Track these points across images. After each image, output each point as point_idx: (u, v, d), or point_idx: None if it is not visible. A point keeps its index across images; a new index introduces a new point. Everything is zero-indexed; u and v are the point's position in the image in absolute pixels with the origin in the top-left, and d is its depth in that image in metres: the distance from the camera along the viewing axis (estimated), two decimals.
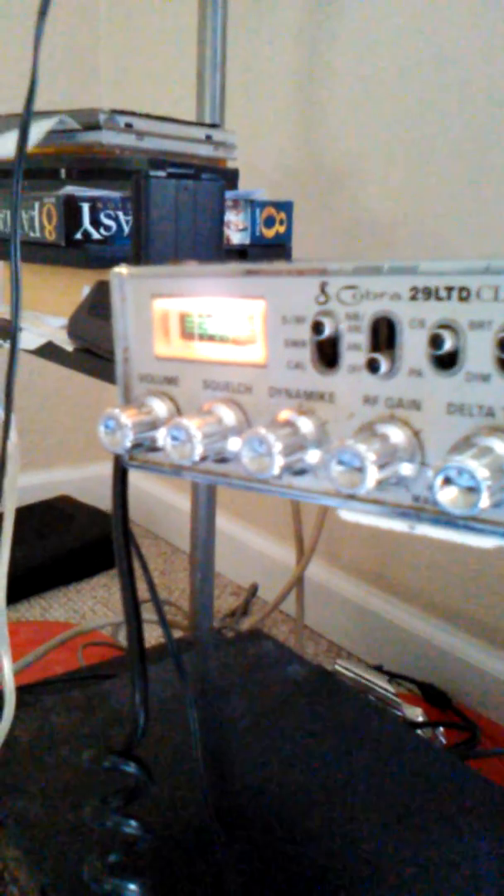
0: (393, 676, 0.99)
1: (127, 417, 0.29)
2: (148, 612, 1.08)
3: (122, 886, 0.33)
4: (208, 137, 0.76)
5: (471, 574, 0.96)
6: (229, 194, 0.72)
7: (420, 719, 0.86)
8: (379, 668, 0.98)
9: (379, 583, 1.07)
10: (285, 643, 1.07)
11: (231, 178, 0.77)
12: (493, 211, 0.85)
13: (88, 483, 1.43)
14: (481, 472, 0.21)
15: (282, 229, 0.77)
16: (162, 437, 0.28)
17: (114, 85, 1.41)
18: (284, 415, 0.27)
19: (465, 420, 0.24)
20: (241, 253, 0.73)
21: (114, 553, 0.38)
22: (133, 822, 0.34)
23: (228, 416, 0.29)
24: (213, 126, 0.77)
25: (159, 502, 1.43)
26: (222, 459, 0.29)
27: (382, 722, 0.75)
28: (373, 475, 0.24)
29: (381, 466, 0.24)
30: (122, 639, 1.06)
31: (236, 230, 0.73)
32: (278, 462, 0.25)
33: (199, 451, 0.27)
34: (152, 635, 1.07)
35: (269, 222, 0.76)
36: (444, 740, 0.88)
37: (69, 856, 0.44)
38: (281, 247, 0.76)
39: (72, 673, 0.87)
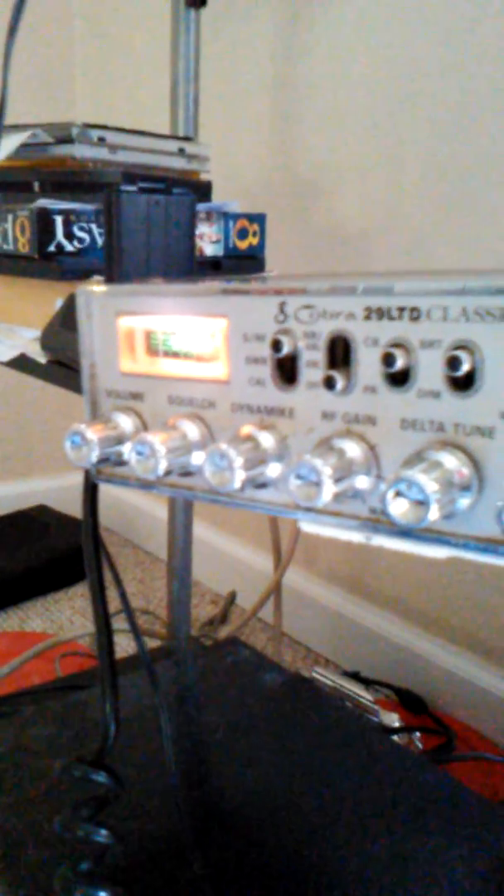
0: (370, 683, 0.99)
1: (93, 433, 0.29)
2: (120, 622, 1.08)
3: (92, 895, 0.34)
4: (181, 150, 0.76)
5: (446, 581, 0.97)
6: (202, 206, 0.73)
7: (396, 725, 0.87)
8: (356, 675, 0.99)
9: (356, 590, 1.08)
10: (263, 651, 1.07)
11: (204, 190, 0.78)
12: (466, 218, 0.87)
13: (65, 493, 1.43)
14: (430, 485, 0.22)
15: (255, 241, 0.78)
16: (127, 451, 0.28)
17: (90, 98, 1.42)
18: (246, 430, 0.28)
19: (418, 435, 0.25)
20: (214, 265, 0.74)
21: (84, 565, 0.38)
22: (103, 831, 0.35)
23: (192, 431, 0.29)
24: (186, 139, 0.78)
25: (138, 512, 1.43)
26: (187, 473, 0.29)
27: (358, 728, 0.76)
28: (329, 489, 0.24)
29: (338, 480, 0.25)
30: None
31: (209, 242, 0.74)
32: (239, 476, 0.26)
33: (163, 465, 0.28)
34: (132, 644, 1.07)
35: (243, 234, 0.77)
36: (420, 745, 0.89)
37: (41, 865, 0.45)
38: (254, 259, 0.77)
39: (49, 683, 0.87)
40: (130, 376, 0.31)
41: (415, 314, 0.24)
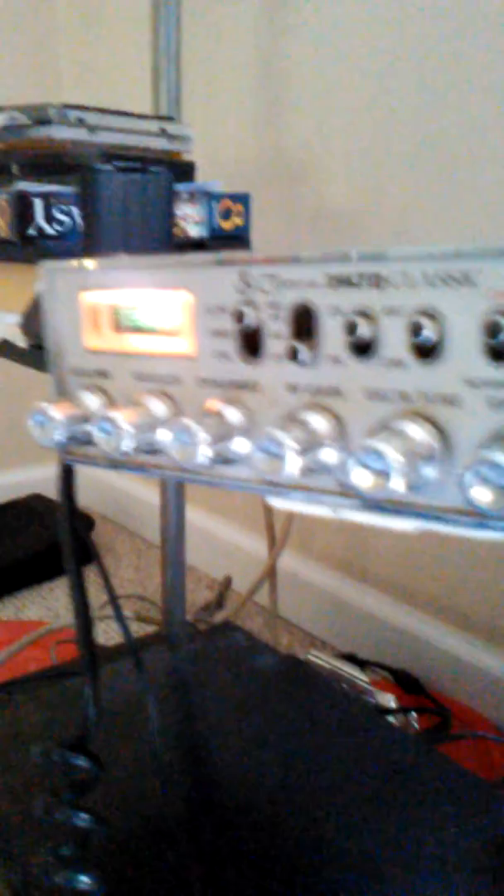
0: (366, 664, 0.99)
1: (56, 411, 0.29)
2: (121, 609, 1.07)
3: (74, 879, 0.33)
4: (163, 130, 0.75)
5: (441, 560, 0.96)
6: (184, 187, 0.72)
7: (392, 705, 0.87)
8: (352, 657, 0.99)
9: (351, 571, 1.08)
10: (259, 634, 1.07)
11: (187, 170, 0.77)
12: (453, 197, 0.86)
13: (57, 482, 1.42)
14: (393, 455, 0.22)
15: (240, 221, 0.77)
16: (93, 430, 0.28)
17: (75, 81, 1.40)
18: (212, 405, 0.27)
19: (384, 405, 0.24)
20: (199, 246, 0.73)
21: (62, 550, 0.38)
22: (84, 815, 0.34)
23: (159, 407, 0.29)
24: (167, 119, 0.77)
25: (133, 499, 1.42)
26: (154, 451, 0.29)
27: (353, 709, 0.76)
28: (293, 462, 0.24)
29: (303, 453, 0.24)
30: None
31: (193, 223, 0.73)
32: (203, 451, 0.26)
33: (128, 442, 0.27)
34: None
35: (227, 214, 0.76)
36: (416, 725, 0.88)
37: (24, 851, 0.45)
38: (239, 239, 0.76)
39: (44, 671, 0.87)
40: (96, 353, 0.30)
41: (377, 281, 0.23)
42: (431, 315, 0.23)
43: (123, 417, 0.27)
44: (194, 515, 1.22)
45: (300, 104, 1.01)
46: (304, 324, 0.25)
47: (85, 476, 1.48)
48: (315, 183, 1.01)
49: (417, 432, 0.23)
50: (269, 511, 1.03)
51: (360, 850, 0.57)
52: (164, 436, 0.27)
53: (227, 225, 0.76)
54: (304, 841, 0.58)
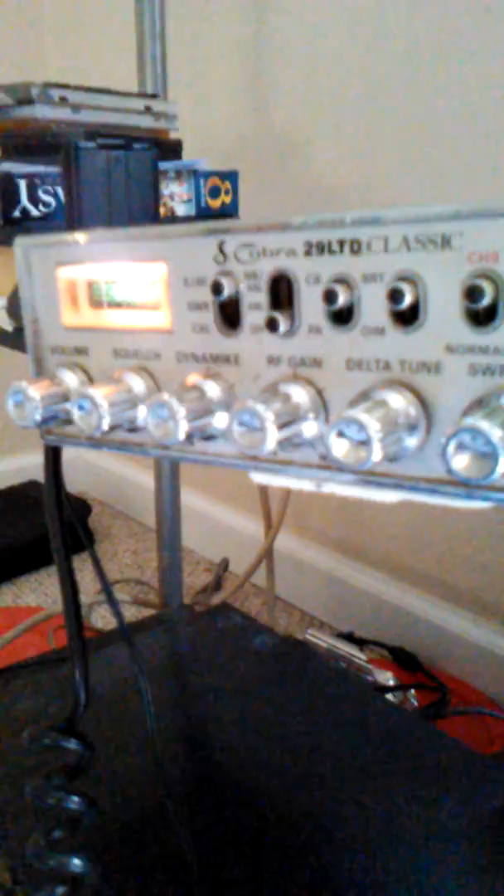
0: (364, 642, 0.99)
1: (35, 390, 0.28)
2: (119, 593, 1.08)
3: (66, 861, 0.33)
4: (148, 108, 0.74)
5: (438, 538, 0.96)
6: (171, 165, 0.71)
7: (390, 683, 0.87)
8: (349, 636, 0.99)
9: (348, 551, 1.08)
10: (258, 616, 1.07)
11: (174, 148, 0.76)
12: (442, 172, 0.85)
13: None
14: (372, 425, 0.21)
15: (228, 199, 0.76)
16: (71, 408, 0.27)
17: (60, 60, 1.38)
18: (191, 379, 0.27)
19: (365, 375, 0.24)
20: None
21: (49, 534, 0.38)
22: (76, 798, 0.34)
23: (138, 383, 0.28)
24: (152, 97, 0.76)
25: (130, 483, 1.42)
26: (134, 429, 0.28)
27: (350, 687, 0.76)
28: (273, 435, 0.23)
29: (283, 426, 0.24)
30: (93, 620, 1.06)
31: (181, 201, 0.72)
32: (183, 427, 0.25)
33: (106, 420, 0.27)
34: (126, 613, 1.07)
35: (215, 192, 0.75)
36: (415, 702, 0.89)
37: (17, 834, 0.45)
38: (228, 217, 0.75)
39: (42, 656, 0.86)
40: (74, 330, 0.30)
41: (356, 247, 0.23)
42: (411, 280, 0.22)
43: (101, 395, 0.26)
44: (191, 499, 1.21)
45: (288, 80, 0.99)
46: (282, 294, 0.25)
47: (82, 461, 1.48)
48: (304, 159, 1.00)
49: (398, 401, 0.23)
50: (264, 493, 1.03)
51: (358, 826, 0.57)
52: (142, 413, 0.26)
53: (215, 203, 0.75)
54: (302, 820, 0.58)
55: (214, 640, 0.81)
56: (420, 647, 0.98)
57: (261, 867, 0.53)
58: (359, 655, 0.92)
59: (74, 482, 1.46)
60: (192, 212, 0.73)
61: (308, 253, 0.24)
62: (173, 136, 0.78)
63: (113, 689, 0.68)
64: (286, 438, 0.24)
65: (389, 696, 0.85)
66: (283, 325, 0.25)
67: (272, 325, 0.25)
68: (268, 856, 0.54)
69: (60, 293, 0.30)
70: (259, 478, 0.26)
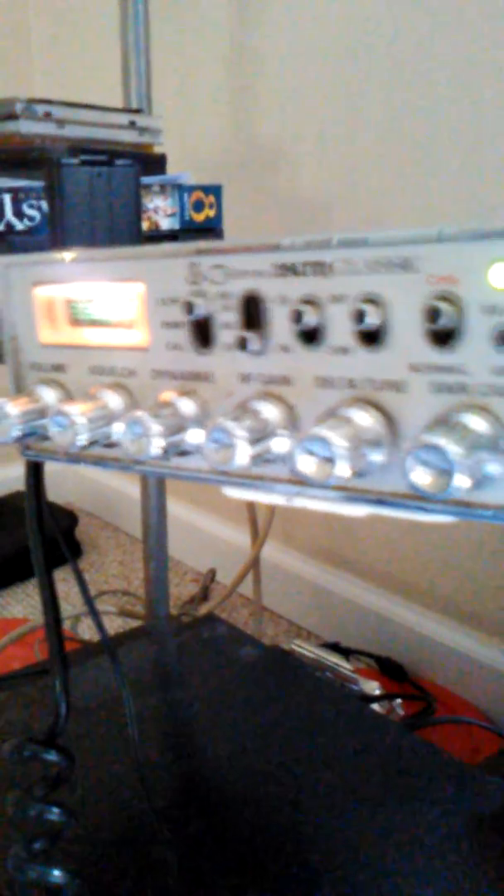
0: (350, 652, 1.00)
1: (13, 407, 0.29)
2: (105, 604, 1.08)
3: (46, 873, 0.34)
4: (132, 123, 0.75)
5: (423, 547, 0.97)
6: (155, 179, 0.72)
7: (376, 692, 0.88)
8: (336, 646, 1.00)
9: (334, 561, 1.08)
10: (245, 626, 1.07)
11: (158, 163, 0.77)
12: (425, 181, 0.86)
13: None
14: (337, 442, 0.22)
15: (212, 213, 0.77)
16: (48, 424, 0.28)
17: (47, 75, 1.39)
18: (165, 396, 0.27)
19: (333, 393, 0.24)
20: (171, 238, 0.73)
21: (30, 547, 0.38)
22: (56, 809, 0.34)
23: (114, 400, 0.29)
24: (136, 111, 0.77)
25: (117, 493, 1.42)
26: (111, 444, 0.29)
27: (336, 697, 0.76)
28: (244, 451, 0.24)
29: (254, 442, 0.24)
30: (80, 631, 1.06)
31: (165, 216, 0.73)
32: (157, 443, 0.26)
33: (83, 437, 0.27)
34: (113, 624, 1.07)
35: (199, 206, 0.76)
36: (402, 712, 0.89)
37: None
38: (211, 231, 0.76)
39: (27, 668, 0.87)
40: (52, 347, 0.30)
41: (321, 269, 0.24)
42: (375, 301, 0.23)
43: (77, 411, 0.27)
44: (178, 509, 1.22)
45: (271, 93, 1.00)
46: (252, 313, 0.25)
47: (70, 473, 1.48)
48: (288, 172, 1.01)
49: (364, 418, 0.23)
50: (251, 503, 1.03)
51: (342, 836, 0.58)
52: (118, 429, 0.27)
53: (199, 217, 0.76)
54: (286, 829, 0.58)
55: (200, 651, 0.82)
56: (407, 656, 0.99)
57: (245, 877, 0.53)
58: (345, 665, 0.93)
59: (62, 493, 1.46)
60: (177, 226, 0.73)
61: (277, 274, 0.24)
62: (158, 150, 0.79)
63: (97, 701, 0.68)
64: (257, 454, 0.24)
65: (375, 706, 0.86)
66: (253, 345, 0.25)
67: (243, 345, 0.25)
68: (252, 866, 0.55)
69: (37, 312, 0.30)
70: (232, 492, 0.27)
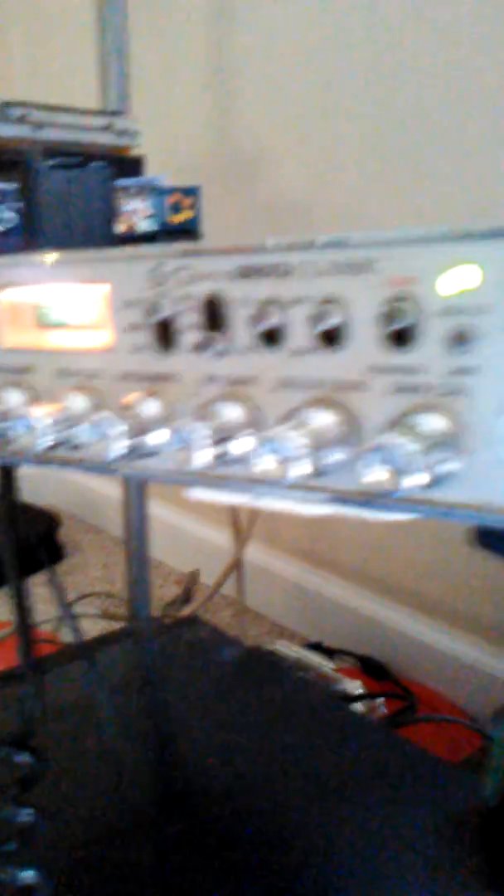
0: (333, 652, 1.00)
1: None
2: (85, 607, 1.07)
3: (17, 874, 0.33)
4: (109, 126, 0.75)
5: (405, 546, 0.97)
6: (131, 181, 0.72)
7: (359, 692, 0.88)
8: (318, 645, 1.00)
9: (317, 561, 1.09)
10: (228, 627, 1.07)
11: (136, 165, 0.77)
12: (404, 182, 0.86)
13: (24, 482, 1.42)
14: (297, 441, 0.22)
15: (190, 214, 0.77)
16: (12, 427, 0.28)
17: (27, 78, 1.39)
18: (130, 398, 0.27)
19: (295, 393, 0.25)
20: (148, 239, 0.73)
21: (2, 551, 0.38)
22: (28, 811, 0.34)
23: (80, 402, 0.29)
24: (114, 114, 0.77)
25: (99, 496, 1.42)
26: (77, 446, 0.29)
27: (316, 697, 0.76)
28: (208, 452, 0.24)
29: (218, 442, 0.25)
30: (62, 635, 1.06)
31: (142, 218, 0.73)
32: (120, 444, 0.26)
33: (46, 439, 0.27)
34: (96, 626, 1.07)
35: (176, 208, 0.76)
36: (385, 710, 0.89)
37: None
38: (190, 233, 0.76)
39: (8, 671, 0.86)
40: (17, 351, 0.30)
41: (284, 270, 0.24)
42: (336, 303, 0.23)
43: (41, 414, 0.27)
44: (161, 511, 1.21)
45: (251, 95, 1.00)
46: (215, 315, 0.26)
47: (52, 475, 1.47)
48: (268, 173, 1.01)
49: (325, 418, 0.23)
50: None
51: (322, 834, 0.58)
52: (83, 431, 0.27)
53: (177, 218, 0.76)
54: (264, 829, 0.58)
55: (181, 652, 0.82)
56: (390, 656, 0.99)
57: (223, 877, 0.53)
58: (327, 665, 0.93)
59: (45, 496, 1.45)
60: (155, 227, 0.73)
61: (240, 276, 0.25)
62: (136, 152, 0.79)
63: (75, 703, 0.68)
64: (221, 454, 0.25)
65: (358, 705, 0.86)
66: (217, 346, 0.25)
67: (207, 346, 0.26)
68: (230, 865, 0.55)
69: (2, 314, 0.30)
70: (198, 493, 0.27)
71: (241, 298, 0.25)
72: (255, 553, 1.11)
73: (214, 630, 0.85)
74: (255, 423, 0.26)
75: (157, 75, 1.11)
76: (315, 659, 0.92)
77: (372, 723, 0.74)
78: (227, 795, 0.61)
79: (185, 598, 1.15)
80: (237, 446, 0.25)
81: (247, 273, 0.24)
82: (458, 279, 0.21)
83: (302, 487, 0.24)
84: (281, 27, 0.94)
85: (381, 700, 0.90)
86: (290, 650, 0.94)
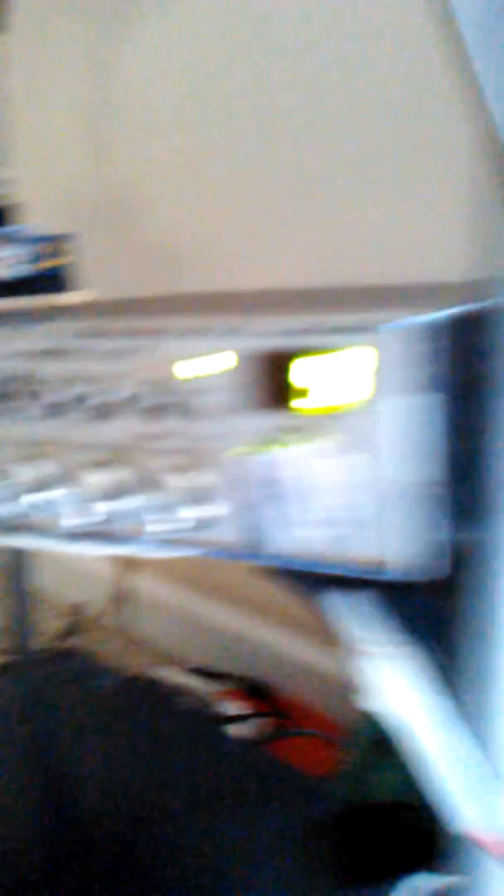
0: (216, 676, 1.04)
1: None
2: None
3: None
4: None
5: None
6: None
7: (235, 713, 0.92)
8: (200, 670, 1.03)
9: (201, 588, 1.12)
10: (115, 657, 1.10)
11: (6, 213, 0.80)
12: (284, 227, 0.90)
13: None
14: (61, 497, 0.26)
15: (61, 262, 0.80)
16: None
17: None
18: None
19: (77, 455, 0.29)
20: (14, 287, 0.76)
21: None
22: None
23: None
24: None
25: None
26: None
27: (190, 721, 0.80)
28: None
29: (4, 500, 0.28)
30: None
31: (8, 265, 0.76)
32: None
33: None
34: None
35: (45, 256, 0.79)
36: (264, 730, 0.93)
37: None
38: (59, 279, 0.80)
39: None
40: None
41: (65, 353, 0.28)
42: (104, 382, 0.27)
43: None
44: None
45: (131, 142, 1.05)
46: (10, 389, 0.29)
47: None
48: (148, 218, 1.05)
49: (105, 476, 0.28)
50: None
51: (193, 847, 0.61)
52: None
53: (46, 265, 0.79)
54: (138, 845, 0.61)
55: (60, 684, 0.84)
56: (272, 676, 1.03)
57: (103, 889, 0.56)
58: (208, 689, 0.96)
59: None
60: (21, 274, 0.77)
61: (38, 356, 0.29)
62: (11, 201, 0.82)
63: None
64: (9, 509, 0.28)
65: (237, 726, 0.90)
66: (11, 414, 0.29)
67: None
68: (109, 877, 0.57)
69: None
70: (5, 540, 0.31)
71: (33, 375, 0.29)
72: (140, 582, 1.14)
73: (93, 660, 0.88)
74: (53, 480, 0.30)
75: (36, 123, 1.14)
76: (197, 684, 0.96)
77: (241, 741, 0.78)
78: (104, 815, 0.64)
79: (72, 629, 1.16)
80: (30, 500, 0.29)
81: (35, 355, 0.28)
82: (195, 367, 0.25)
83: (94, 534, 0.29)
84: (156, 76, 0.99)
85: (258, 720, 0.94)
86: (174, 676, 0.97)
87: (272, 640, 1.04)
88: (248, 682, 1.03)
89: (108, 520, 0.28)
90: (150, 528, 0.26)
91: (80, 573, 1.25)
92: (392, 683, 0.27)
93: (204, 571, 1.11)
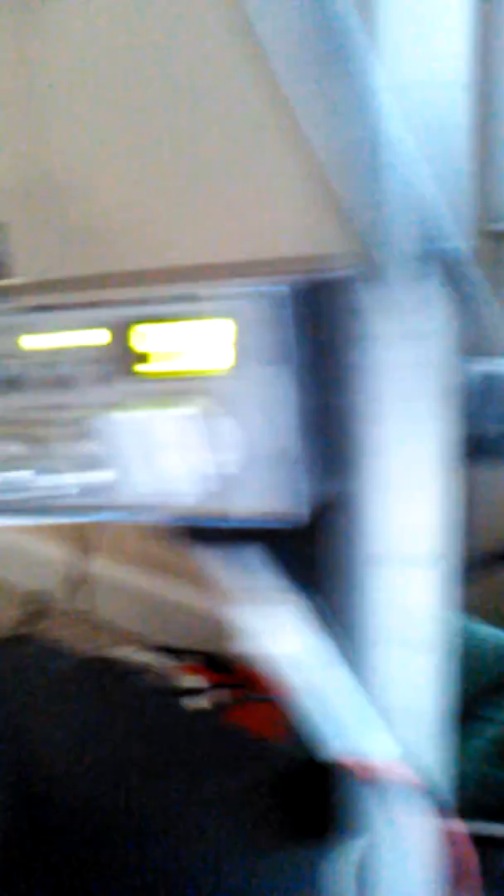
0: (179, 652, 1.05)
1: None
2: None
3: None
4: None
5: None
6: None
7: (195, 686, 0.94)
8: (158, 647, 1.05)
9: (163, 567, 1.14)
10: (81, 639, 1.11)
11: None
12: (218, 206, 0.91)
13: None
14: None
15: None
16: None
17: None
18: None
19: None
20: None
21: None
22: None
23: None
24: None
25: None
26: None
27: (147, 694, 0.82)
28: None
29: None
30: None
31: None
32: None
33: None
34: None
35: None
36: (221, 700, 0.95)
37: None
38: None
39: None
40: None
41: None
42: None
43: None
44: (7, 534, 1.24)
45: (64, 127, 1.04)
46: None
47: None
48: (84, 202, 1.05)
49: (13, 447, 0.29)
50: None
51: (145, 812, 0.63)
52: None
53: None
54: (94, 809, 0.63)
55: (16, 669, 0.85)
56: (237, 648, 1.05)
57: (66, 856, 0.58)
58: (167, 664, 0.98)
59: None
60: None
61: None
62: None
63: None
64: None
65: (196, 698, 0.92)
66: None
67: None
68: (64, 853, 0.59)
69: None
70: None
71: None
72: (104, 566, 1.15)
73: (50, 645, 0.89)
74: None
75: None
76: (155, 660, 0.97)
77: (196, 712, 0.80)
78: (62, 787, 0.66)
79: (30, 617, 1.18)
80: None
81: None
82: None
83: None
84: (88, 57, 0.98)
85: (223, 691, 0.96)
86: (132, 655, 0.98)
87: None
88: (207, 655, 1.05)
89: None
90: (38, 495, 0.27)
91: (35, 560, 1.26)
92: (274, 626, 0.29)
93: (166, 552, 1.13)
